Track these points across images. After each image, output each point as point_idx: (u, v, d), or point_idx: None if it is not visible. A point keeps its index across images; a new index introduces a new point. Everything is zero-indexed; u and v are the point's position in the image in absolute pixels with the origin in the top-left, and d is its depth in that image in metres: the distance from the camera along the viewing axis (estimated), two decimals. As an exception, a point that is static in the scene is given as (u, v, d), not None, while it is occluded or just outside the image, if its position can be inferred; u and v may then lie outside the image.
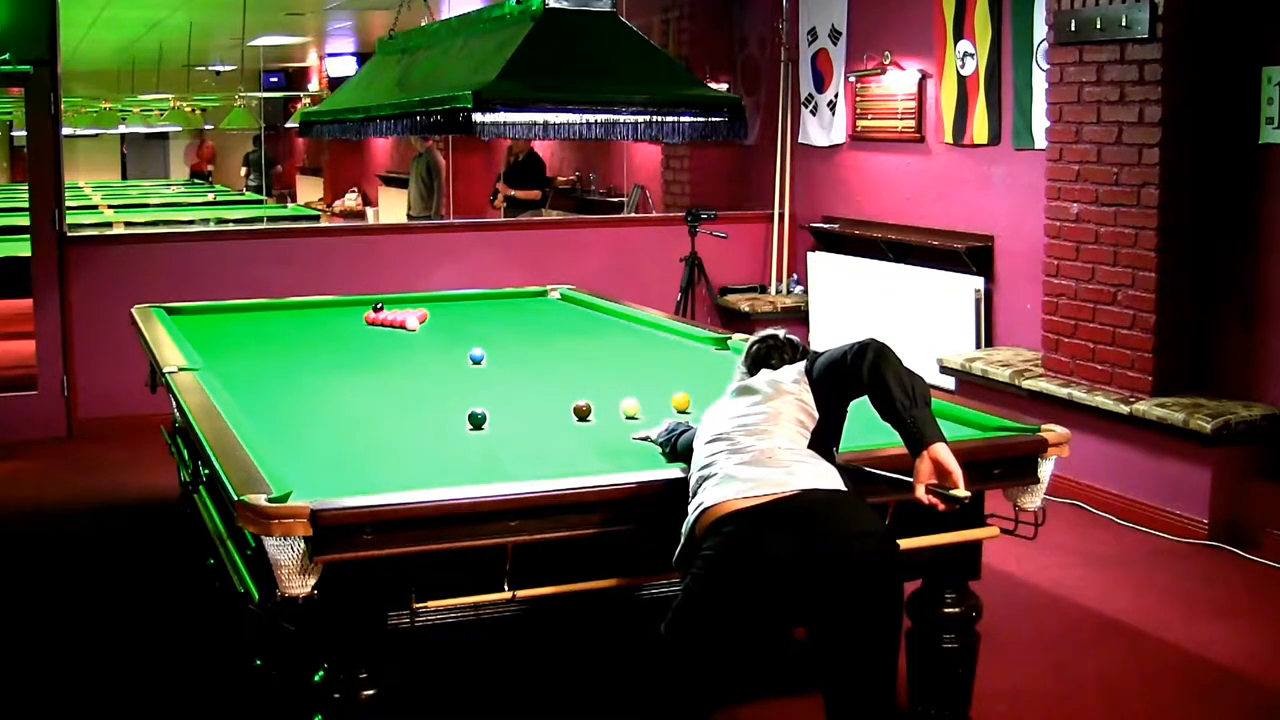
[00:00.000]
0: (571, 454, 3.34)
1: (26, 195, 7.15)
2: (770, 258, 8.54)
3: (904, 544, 3.27)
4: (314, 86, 17.18)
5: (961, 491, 2.72)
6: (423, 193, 10.38)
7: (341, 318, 5.50)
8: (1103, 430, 5.65)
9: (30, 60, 6.88)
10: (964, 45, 6.91)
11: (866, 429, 3.56)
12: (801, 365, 3.09)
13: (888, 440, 3.33)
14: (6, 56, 6.83)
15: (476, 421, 3.55)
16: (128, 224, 10.25)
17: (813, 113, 8.26)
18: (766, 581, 2.67)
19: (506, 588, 2.86)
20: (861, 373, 2.83)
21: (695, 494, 2.86)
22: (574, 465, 3.13)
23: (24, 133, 8.41)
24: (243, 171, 16.93)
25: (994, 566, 4.52)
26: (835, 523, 2.71)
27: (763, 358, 3.23)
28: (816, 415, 2.95)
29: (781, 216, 8.47)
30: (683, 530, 2.84)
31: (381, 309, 5.39)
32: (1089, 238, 5.76)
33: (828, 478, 2.83)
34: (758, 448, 2.86)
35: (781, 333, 3.30)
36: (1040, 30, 6.32)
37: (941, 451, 2.72)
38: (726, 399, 3.12)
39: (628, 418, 3.69)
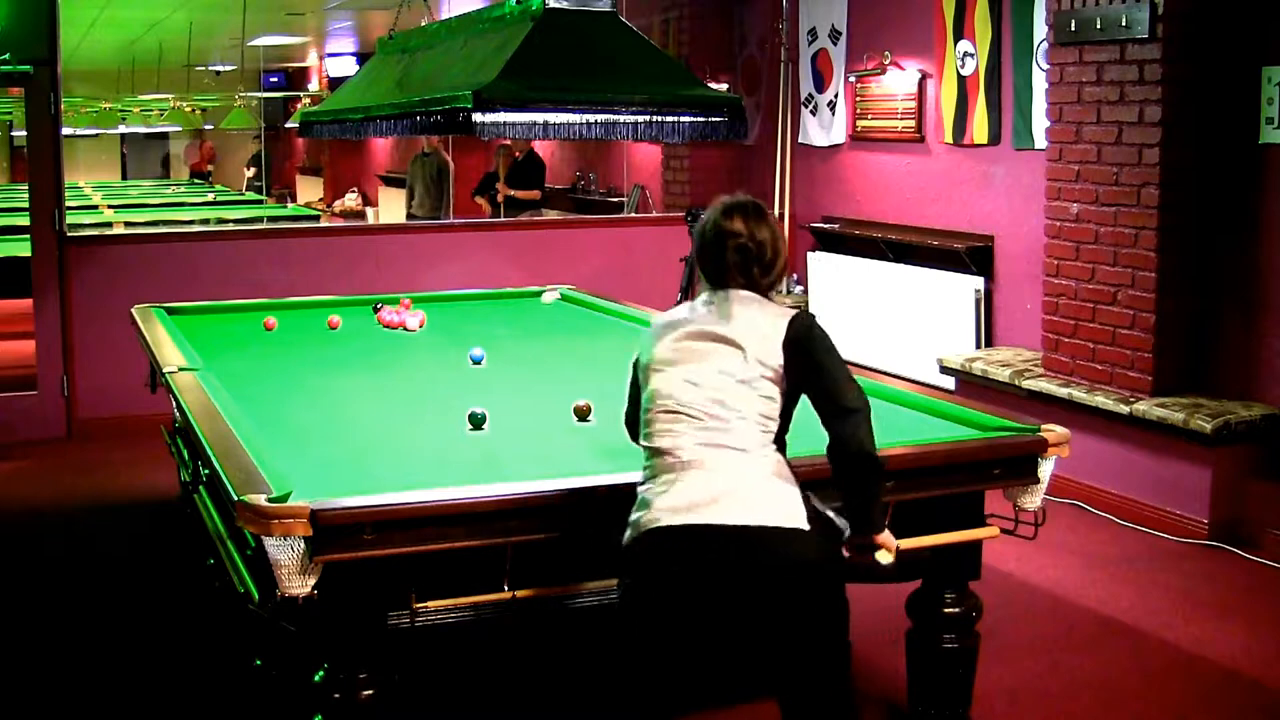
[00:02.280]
0: (571, 454, 3.33)
1: (26, 195, 7.15)
2: (770, 258, 8.52)
3: (904, 544, 3.27)
4: (314, 86, 17.18)
5: (889, 558, 2.87)
6: (432, 192, 10.36)
7: (341, 317, 5.50)
8: (1103, 430, 5.65)
9: (30, 60, 6.88)
10: (964, 45, 6.91)
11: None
12: (784, 327, 2.75)
13: (891, 440, 3.34)
14: (6, 56, 6.83)
15: (476, 421, 3.54)
16: (128, 224, 10.25)
17: (813, 113, 8.26)
18: (682, 612, 2.68)
19: (506, 588, 2.86)
20: (852, 449, 2.72)
21: (644, 481, 2.77)
22: (574, 465, 3.13)
23: (24, 133, 8.41)
24: (250, 172, 16.94)
25: (994, 566, 4.52)
26: (761, 559, 2.63)
27: (731, 268, 2.82)
28: (780, 403, 2.77)
29: (781, 216, 8.47)
30: (629, 521, 2.76)
31: (381, 309, 5.39)
32: (1089, 238, 5.76)
33: (773, 510, 2.66)
34: (709, 459, 2.69)
35: (748, 203, 2.85)
36: (1040, 30, 6.32)
37: (888, 536, 2.85)
38: (683, 336, 2.80)
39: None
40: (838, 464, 2.75)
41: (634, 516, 2.73)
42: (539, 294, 6.10)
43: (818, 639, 2.69)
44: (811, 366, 2.75)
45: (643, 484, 2.76)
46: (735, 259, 2.79)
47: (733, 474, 2.68)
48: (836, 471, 2.76)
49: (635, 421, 2.94)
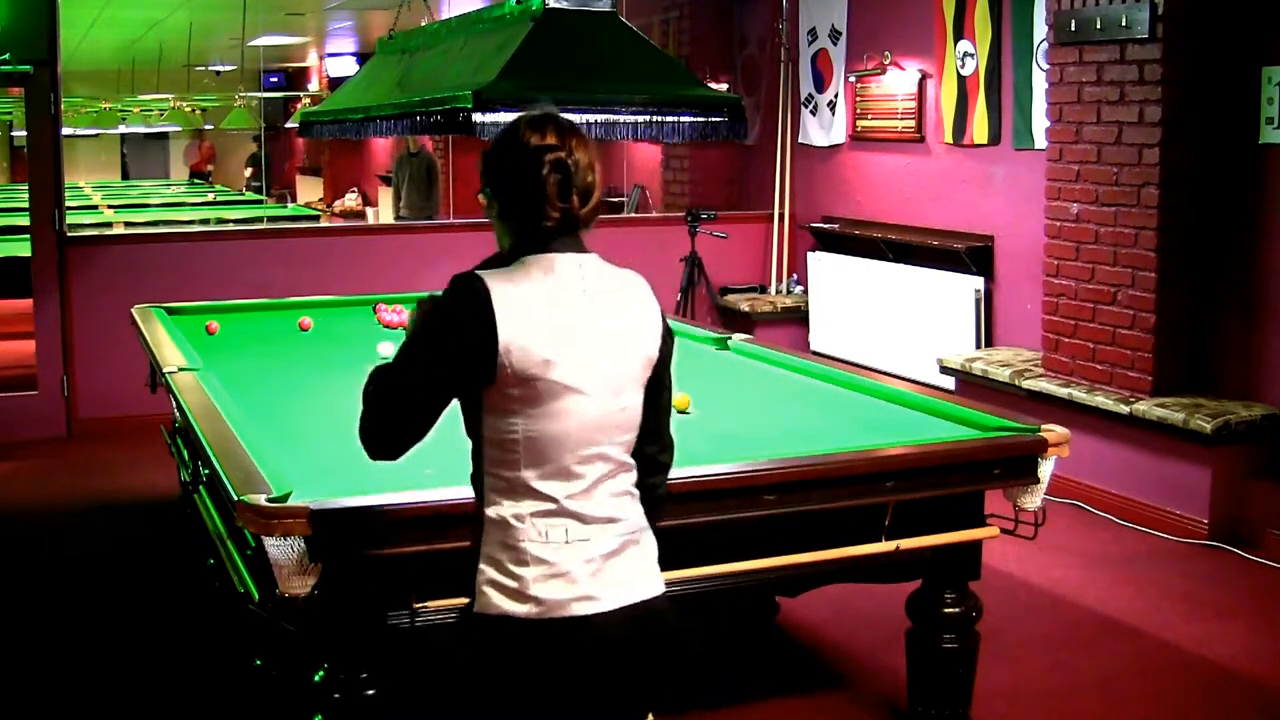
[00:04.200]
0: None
1: (26, 195, 7.15)
2: (770, 258, 8.54)
3: (904, 544, 3.28)
4: (314, 86, 17.19)
5: None
6: (421, 191, 10.37)
7: (341, 318, 5.50)
8: (1103, 430, 5.65)
9: (30, 60, 6.88)
10: (964, 45, 6.91)
11: (869, 428, 3.56)
12: (658, 314, 2.24)
13: (891, 440, 3.34)
14: (6, 56, 6.83)
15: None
16: (128, 224, 10.26)
17: (813, 113, 8.26)
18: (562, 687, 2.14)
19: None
20: (659, 494, 2.33)
21: (524, 533, 2.10)
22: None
23: (24, 133, 8.41)
24: (248, 172, 16.96)
25: (994, 566, 4.52)
26: (659, 634, 2.20)
27: (548, 193, 2.14)
28: None
29: (781, 216, 8.47)
30: (516, 588, 2.10)
31: (381, 309, 5.39)
32: (1089, 238, 5.76)
33: (658, 570, 2.24)
34: (620, 512, 2.17)
35: (561, 117, 2.22)
36: (1040, 30, 6.32)
37: None
38: (576, 330, 2.11)
39: (679, 411, 3.64)
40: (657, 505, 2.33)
41: (540, 590, 2.09)
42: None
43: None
44: (660, 381, 2.26)
45: (524, 537, 2.10)
46: (554, 178, 2.13)
47: (638, 528, 2.21)
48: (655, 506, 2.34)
49: (408, 431, 2.18)
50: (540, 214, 2.13)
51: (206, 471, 3.39)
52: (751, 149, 8.76)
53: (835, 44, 8.00)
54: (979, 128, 6.86)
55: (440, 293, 2.14)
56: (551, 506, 2.11)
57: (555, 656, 2.10)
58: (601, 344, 2.13)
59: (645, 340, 2.20)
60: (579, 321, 2.11)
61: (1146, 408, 5.41)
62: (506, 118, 3.86)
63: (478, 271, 2.12)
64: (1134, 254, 5.55)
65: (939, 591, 3.45)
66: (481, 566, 2.13)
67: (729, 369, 4.44)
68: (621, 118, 4.03)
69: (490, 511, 2.13)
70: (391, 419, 2.18)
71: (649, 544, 2.23)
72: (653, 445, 2.26)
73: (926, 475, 3.22)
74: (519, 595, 2.09)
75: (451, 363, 2.10)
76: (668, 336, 2.25)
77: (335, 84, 14.80)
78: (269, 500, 2.67)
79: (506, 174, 2.17)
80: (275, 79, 17.74)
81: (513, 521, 2.11)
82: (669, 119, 4.12)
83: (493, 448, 2.12)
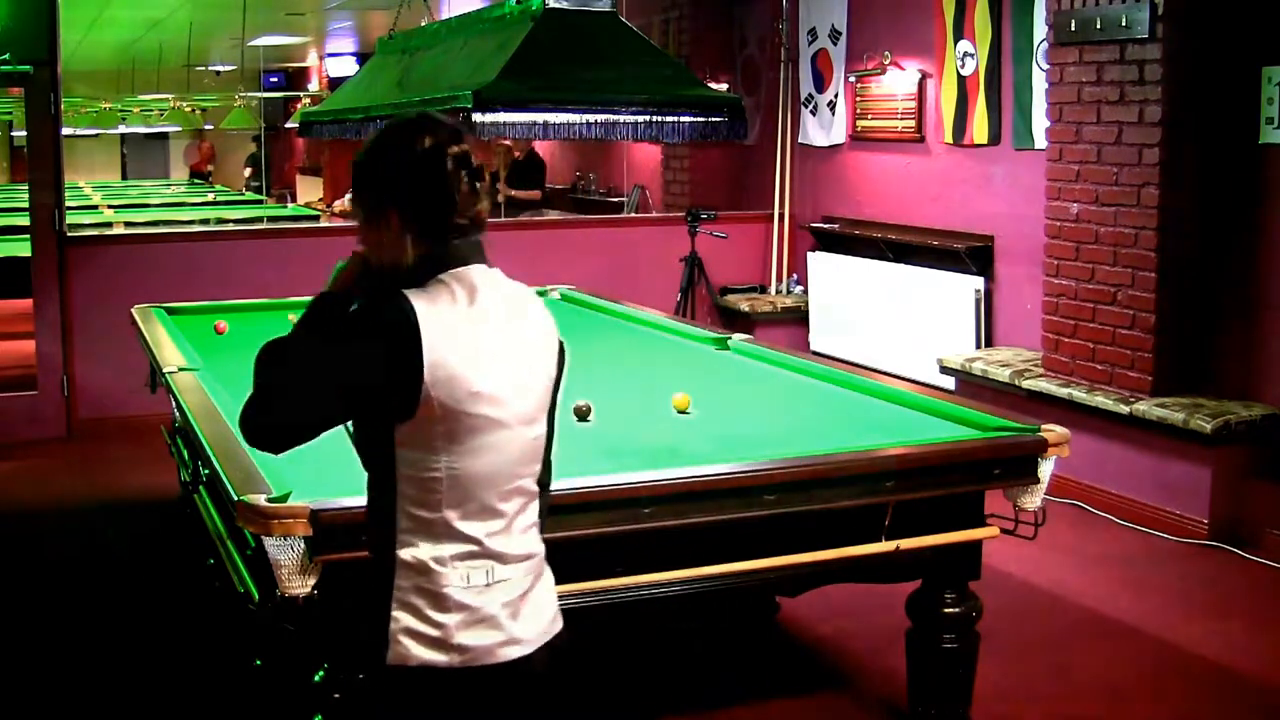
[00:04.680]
0: (571, 454, 3.32)
1: (26, 195, 7.15)
2: (770, 258, 8.54)
3: (904, 544, 3.28)
4: (314, 86, 17.19)
5: None
6: None
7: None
8: (1103, 430, 5.65)
9: (30, 60, 6.88)
10: (964, 45, 6.91)
11: (869, 428, 3.56)
12: (555, 330, 2.12)
13: (891, 440, 3.34)
14: (6, 56, 6.83)
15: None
16: (128, 224, 10.25)
17: (813, 113, 8.26)
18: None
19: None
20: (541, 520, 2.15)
21: (448, 576, 1.97)
22: (574, 465, 3.12)
23: (24, 133, 8.41)
24: (248, 172, 16.96)
25: (994, 566, 4.51)
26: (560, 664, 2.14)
27: (460, 196, 1.99)
28: None
29: (781, 216, 8.47)
30: (439, 637, 1.97)
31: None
32: (1089, 238, 5.76)
33: (554, 607, 2.13)
34: (534, 545, 2.08)
35: (450, 121, 2.05)
36: (1040, 30, 6.32)
37: None
38: (500, 352, 1.99)
39: (679, 411, 3.68)
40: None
41: (465, 637, 1.97)
42: (543, 292, 6.10)
43: None
44: (555, 399, 2.14)
45: (446, 582, 1.96)
46: (463, 174, 1.98)
47: (541, 558, 2.12)
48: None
49: (298, 435, 1.98)
50: (453, 216, 1.97)
51: (206, 471, 3.38)
52: (751, 149, 8.76)
53: (835, 44, 8.00)
54: (979, 128, 6.86)
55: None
56: (474, 548, 1.97)
57: (482, 703, 1.99)
58: (520, 371, 2.01)
59: (549, 359, 2.08)
60: (500, 349, 1.98)
61: (1146, 408, 5.41)
62: (507, 118, 3.88)
63: (403, 291, 1.95)
64: (1134, 254, 5.55)
65: (939, 591, 3.45)
66: (395, 614, 1.97)
67: (729, 369, 4.44)
68: (621, 118, 4.04)
69: (404, 554, 1.96)
70: (281, 418, 1.97)
71: (548, 575, 2.12)
72: (543, 466, 2.14)
73: (926, 475, 3.22)
74: (441, 645, 1.96)
75: (364, 394, 1.95)
76: (563, 351, 2.14)
77: (335, 84, 14.80)
78: (269, 500, 2.67)
79: (406, 179, 1.98)
80: (275, 79, 17.75)
81: (433, 565, 1.95)
82: (669, 119, 4.13)
83: (410, 485, 1.96)
